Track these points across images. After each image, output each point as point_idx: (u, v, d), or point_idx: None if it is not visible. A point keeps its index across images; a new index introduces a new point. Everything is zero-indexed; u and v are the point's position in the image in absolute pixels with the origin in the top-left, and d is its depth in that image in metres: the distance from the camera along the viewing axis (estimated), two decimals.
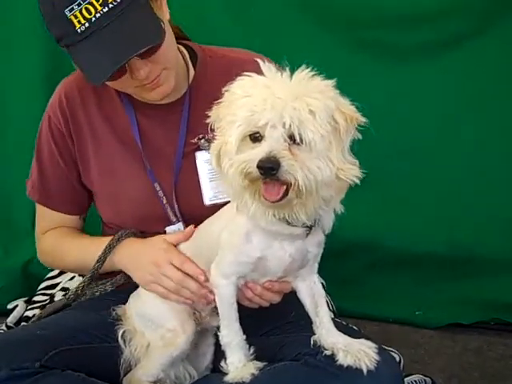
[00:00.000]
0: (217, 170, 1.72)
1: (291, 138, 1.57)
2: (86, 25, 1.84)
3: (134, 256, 2.07)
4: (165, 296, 2.00)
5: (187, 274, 1.96)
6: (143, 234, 2.14)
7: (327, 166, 1.58)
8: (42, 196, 2.26)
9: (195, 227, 2.03)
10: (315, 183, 1.57)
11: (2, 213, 3.47)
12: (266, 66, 1.65)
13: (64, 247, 2.25)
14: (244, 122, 1.59)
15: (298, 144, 1.57)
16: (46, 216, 2.29)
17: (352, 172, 1.62)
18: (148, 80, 1.96)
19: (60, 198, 2.25)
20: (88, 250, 2.15)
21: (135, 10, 1.87)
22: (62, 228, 2.29)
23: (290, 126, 1.55)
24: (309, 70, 1.63)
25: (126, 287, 2.12)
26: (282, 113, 1.54)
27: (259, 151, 1.56)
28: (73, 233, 2.28)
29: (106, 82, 1.99)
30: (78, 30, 1.84)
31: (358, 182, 1.63)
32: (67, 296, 2.18)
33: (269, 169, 1.54)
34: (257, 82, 1.62)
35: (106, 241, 2.11)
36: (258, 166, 1.54)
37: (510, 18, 3.21)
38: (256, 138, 1.60)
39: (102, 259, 2.09)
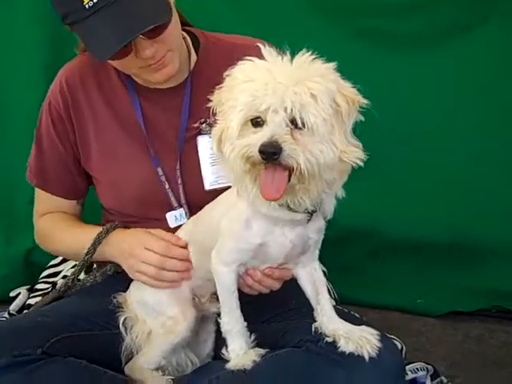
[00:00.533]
0: (218, 155, 1.72)
1: (293, 122, 1.56)
2: (94, 0, 1.84)
3: (119, 248, 2.08)
4: (150, 283, 2.00)
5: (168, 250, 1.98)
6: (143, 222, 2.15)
7: (330, 149, 1.58)
8: (40, 180, 2.27)
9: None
10: (317, 166, 1.56)
11: (4, 201, 3.46)
12: (267, 50, 1.64)
13: (59, 234, 2.26)
14: (245, 107, 1.58)
15: (300, 128, 1.56)
16: (43, 199, 2.30)
17: (355, 154, 1.62)
18: (153, 60, 1.96)
19: (57, 182, 2.25)
20: (80, 240, 2.15)
21: None
22: (60, 213, 2.29)
23: (292, 110, 1.54)
24: (309, 53, 1.63)
25: (126, 274, 2.12)
26: (284, 97, 1.54)
27: (261, 136, 1.56)
28: (69, 220, 2.28)
29: (111, 62, 2.00)
30: (86, 6, 1.85)
31: (361, 164, 1.63)
32: (57, 288, 2.19)
33: (271, 153, 1.53)
34: (258, 67, 1.62)
35: (97, 232, 2.12)
36: (260, 151, 1.54)
37: (510, 3, 3.19)
38: (257, 122, 1.59)
39: (92, 251, 2.10)
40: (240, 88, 1.60)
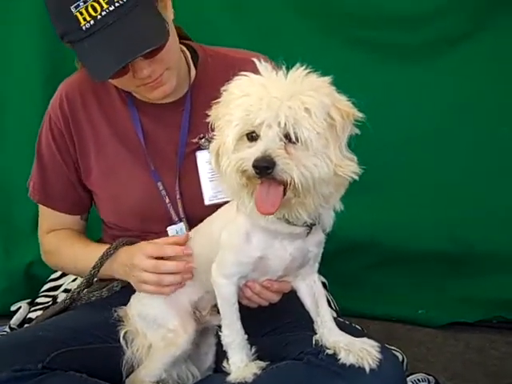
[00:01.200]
0: (216, 170, 1.73)
1: (287, 137, 1.57)
2: (91, 22, 1.85)
3: (122, 263, 2.06)
4: (157, 291, 1.98)
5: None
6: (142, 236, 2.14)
7: (324, 163, 1.58)
8: (42, 196, 2.27)
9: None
10: (312, 180, 1.57)
11: (4, 214, 3.45)
12: (263, 65, 1.65)
13: (65, 251, 2.25)
14: (240, 122, 1.59)
15: (294, 143, 1.57)
16: (47, 216, 2.30)
17: (350, 168, 1.62)
18: (150, 79, 1.96)
19: (60, 198, 2.25)
20: (88, 257, 2.14)
21: (141, 10, 1.88)
22: (66, 230, 2.29)
23: (286, 125, 1.55)
24: (304, 67, 1.64)
25: (130, 288, 2.11)
26: (278, 112, 1.55)
27: (255, 150, 1.57)
28: (75, 237, 2.28)
29: (109, 80, 2.00)
30: (83, 28, 1.86)
31: (356, 177, 1.63)
32: (63, 300, 2.18)
33: (264, 168, 1.54)
34: (253, 82, 1.63)
35: (104, 249, 2.10)
36: (254, 166, 1.55)
37: (506, 16, 3.22)
38: (252, 137, 1.60)
39: (99, 265, 2.09)
40: (236, 103, 1.61)
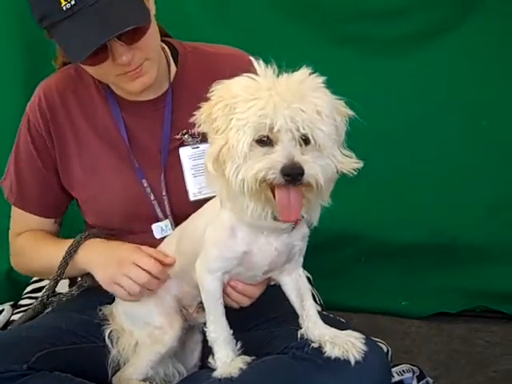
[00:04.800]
0: (212, 175, 1.66)
1: (300, 139, 1.57)
2: (72, 2, 1.83)
3: (97, 255, 2.03)
4: (124, 298, 1.97)
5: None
6: (109, 232, 2.13)
7: (332, 162, 1.61)
8: (18, 199, 2.23)
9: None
10: (328, 181, 1.60)
11: None
12: (261, 65, 1.63)
13: (34, 251, 2.21)
14: (253, 127, 1.56)
15: (306, 145, 1.58)
16: (20, 218, 2.25)
17: (353, 165, 1.66)
18: (130, 67, 1.94)
19: (37, 202, 2.21)
20: (53, 255, 2.10)
21: None
22: (37, 231, 2.24)
23: (301, 128, 1.55)
24: (307, 69, 1.64)
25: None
26: (294, 116, 1.54)
27: (278, 157, 1.55)
28: (45, 237, 2.22)
29: (88, 70, 1.99)
30: (64, 8, 1.84)
31: (355, 172, 1.66)
32: (34, 307, 2.15)
33: (296, 175, 1.54)
34: (260, 85, 1.60)
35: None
36: (286, 174, 1.53)
37: (487, 9, 3.25)
38: (263, 141, 1.58)
39: (64, 265, 2.05)
40: (246, 106, 1.57)
